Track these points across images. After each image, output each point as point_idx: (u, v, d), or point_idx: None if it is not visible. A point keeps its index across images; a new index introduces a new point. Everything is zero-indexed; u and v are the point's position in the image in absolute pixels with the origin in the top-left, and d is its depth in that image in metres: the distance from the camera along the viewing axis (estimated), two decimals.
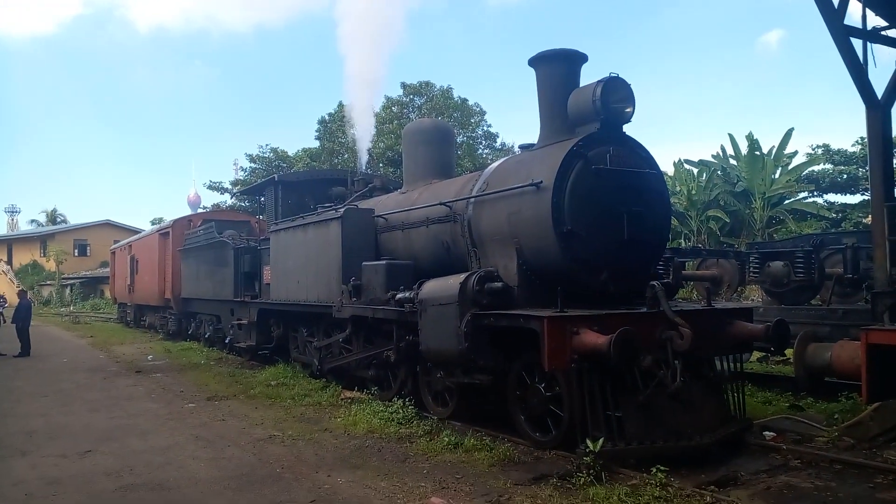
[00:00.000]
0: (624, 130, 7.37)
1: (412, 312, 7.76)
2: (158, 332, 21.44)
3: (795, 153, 30.26)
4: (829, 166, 31.17)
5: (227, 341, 15.21)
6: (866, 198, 31.08)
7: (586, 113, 7.11)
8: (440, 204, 8.42)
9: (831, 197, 32.04)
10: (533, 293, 7.20)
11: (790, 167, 29.72)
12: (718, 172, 30.04)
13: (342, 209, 10.02)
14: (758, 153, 28.86)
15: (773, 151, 29.33)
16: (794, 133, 29.11)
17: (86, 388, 11.25)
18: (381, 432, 7.45)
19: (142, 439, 7.45)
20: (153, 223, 46.26)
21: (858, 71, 7.41)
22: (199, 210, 40.28)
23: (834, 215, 28.67)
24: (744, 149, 29.77)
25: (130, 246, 25.00)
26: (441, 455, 6.56)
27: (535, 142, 7.93)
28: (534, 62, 7.71)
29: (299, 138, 74.04)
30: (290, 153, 35.03)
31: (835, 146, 31.79)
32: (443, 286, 7.21)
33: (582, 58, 7.66)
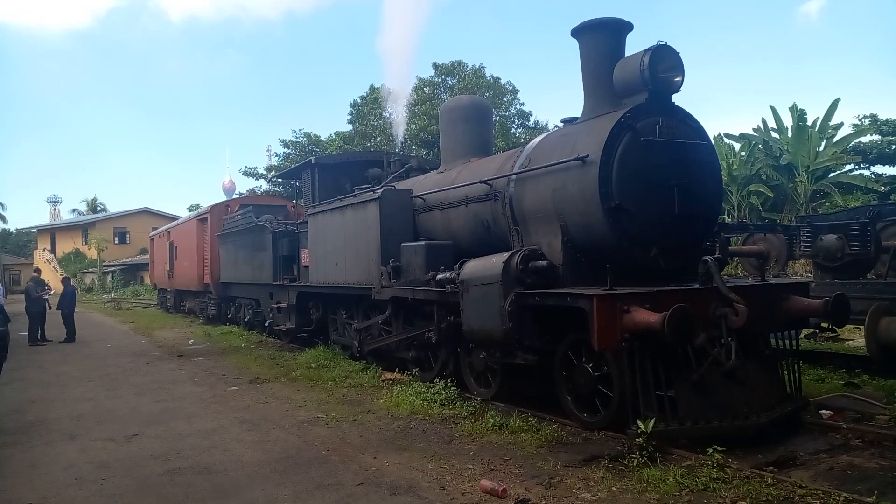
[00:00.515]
0: (673, 100, 7.09)
1: (453, 293, 7.61)
2: (198, 317, 21.71)
3: (841, 124, 29.24)
4: (877, 137, 30.05)
5: (266, 324, 15.29)
6: None
7: (633, 83, 6.84)
8: (480, 182, 8.23)
9: (879, 169, 30.95)
10: (579, 271, 7.00)
11: (836, 139, 28.70)
12: (760, 146, 29.15)
13: (380, 190, 9.90)
14: (802, 125, 27.91)
15: (818, 123, 28.34)
16: (839, 104, 28.08)
17: (130, 372, 11.38)
18: (424, 413, 7.36)
19: (187, 422, 7.47)
20: (190, 210, 46.91)
21: None
22: (234, 196, 40.66)
23: (882, 188, 27.63)
24: (787, 121, 28.84)
25: (169, 232, 25.31)
26: (486, 436, 6.44)
27: (579, 115, 7.69)
28: (577, 32, 7.44)
29: (331, 123, 74.54)
30: (322, 138, 35.08)
31: (882, 116, 30.60)
32: (485, 265, 7.05)
33: (627, 27, 7.38)
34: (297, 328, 13.34)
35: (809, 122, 28.28)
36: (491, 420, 6.75)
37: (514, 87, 33.58)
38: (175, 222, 27.46)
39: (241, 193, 39.74)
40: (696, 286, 6.56)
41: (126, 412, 8.17)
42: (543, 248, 7.13)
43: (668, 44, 6.85)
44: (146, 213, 58.01)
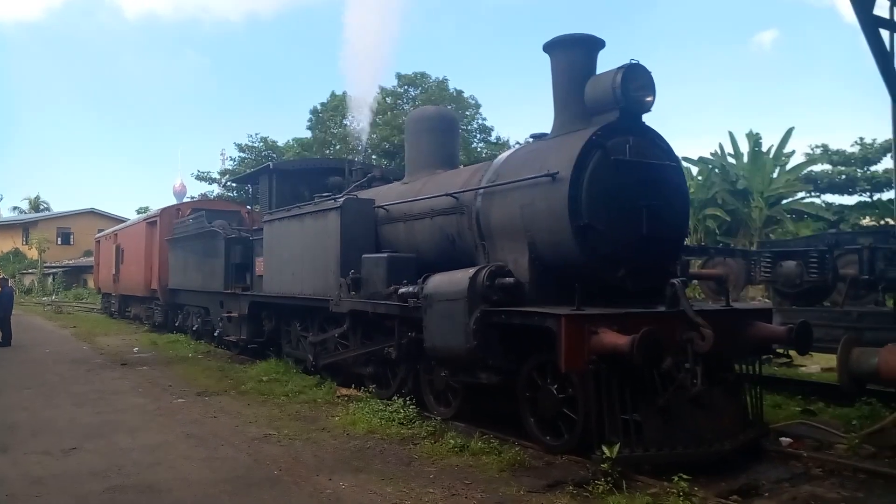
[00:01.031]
0: (643, 120, 7.04)
1: (416, 308, 7.40)
2: (144, 324, 20.93)
3: (793, 153, 30.13)
4: (827, 166, 31.04)
5: (215, 334, 14.79)
6: (863, 199, 31.03)
7: (605, 101, 6.76)
8: (446, 195, 8.05)
9: (829, 197, 31.96)
10: (545, 289, 6.85)
11: (789, 167, 29.53)
12: (717, 171, 29.79)
13: (341, 199, 9.64)
14: (757, 150, 28.66)
15: (773, 150, 29.12)
16: (792, 133, 28.93)
17: (70, 380, 10.81)
18: (382, 433, 7.09)
19: (130, 436, 7.05)
20: (139, 212, 45.59)
21: (886, 62, 7.11)
22: (186, 199, 39.66)
23: (832, 217, 28.51)
24: (743, 147, 29.55)
25: (116, 235, 24.45)
26: (447, 458, 6.21)
27: (547, 131, 7.60)
28: (549, 47, 7.36)
29: (289, 129, 73.50)
30: (280, 143, 34.53)
31: (833, 146, 31.66)
32: (450, 280, 6.86)
33: (599, 43, 7.33)
34: (249, 339, 12.89)
35: (764, 149, 29.06)
36: (451, 441, 6.52)
37: (476, 101, 33.68)
38: (123, 224, 26.59)
39: (192, 197, 38.85)
40: (662, 309, 6.49)
41: (64, 424, 7.69)
42: (510, 264, 6.97)
43: (640, 63, 6.81)
44: (92, 213, 56.14)
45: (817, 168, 30.70)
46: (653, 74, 6.86)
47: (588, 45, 7.28)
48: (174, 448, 6.61)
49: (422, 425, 7.27)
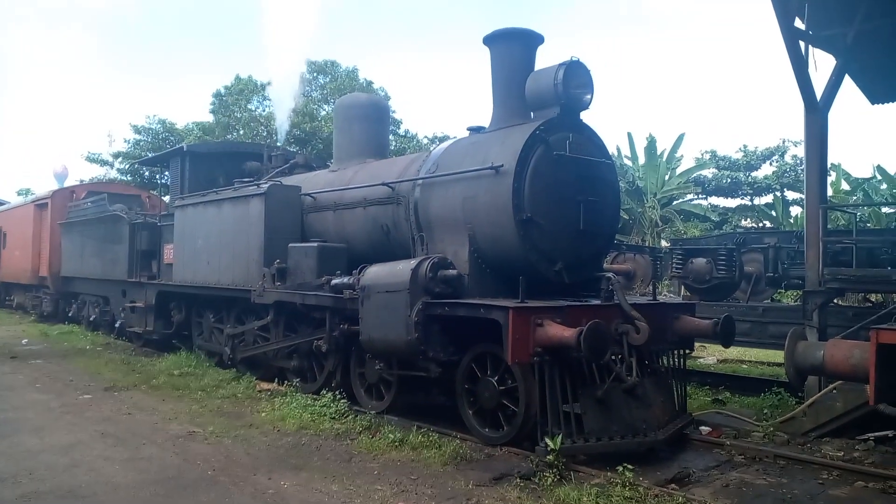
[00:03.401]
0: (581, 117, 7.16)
1: (352, 299, 7.21)
2: (29, 314, 19.40)
3: (682, 157, 31.78)
4: (714, 171, 32.91)
5: (116, 325, 13.89)
6: (744, 202, 33.17)
7: (546, 97, 6.83)
8: (382, 184, 7.89)
9: (714, 200, 33.89)
10: (484, 282, 6.88)
11: (679, 171, 31.14)
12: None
13: (265, 185, 9.26)
14: (652, 152, 30.06)
15: (666, 154, 30.59)
16: (683, 139, 30.59)
17: None
18: (314, 429, 6.87)
19: (36, 437, 6.48)
20: (21, 194, 42.26)
21: (803, 73, 7.56)
22: (73, 183, 36.96)
23: (716, 218, 30.29)
24: (639, 149, 30.87)
25: None
26: (387, 453, 6.10)
27: (469, 126, 7.66)
28: (490, 40, 7.36)
29: (187, 112, 69.95)
30: (178, 126, 32.85)
31: (721, 152, 33.60)
32: (391, 272, 6.72)
33: (539, 38, 7.39)
34: (155, 331, 12.19)
35: (658, 153, 30.51)
36: (390, 435, 6.41)
37: (386, 94, 33.30)
38: (5, 206, 24.48)
39: (81, 181, 36.31)
40: (597, 302, 6.64)
41: None
42: (449, 256, 6.91)
43: (580, 60, 6.91)
44: None
45: (706, 172, 32.53)
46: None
47: (527, 39, 7.33)
48: (90, 448, 6.13)
49: (355, 420, 7.11)
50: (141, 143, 31.90)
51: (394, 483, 5.28)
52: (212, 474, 5.43)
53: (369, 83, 32.43)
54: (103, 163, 34.78)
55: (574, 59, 6.86)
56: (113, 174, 33.71)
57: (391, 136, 32.98)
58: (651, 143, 30.16)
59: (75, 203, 16.57)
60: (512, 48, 7.27)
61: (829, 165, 8.67)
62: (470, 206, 6.84)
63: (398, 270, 6.60)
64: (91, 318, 15.40)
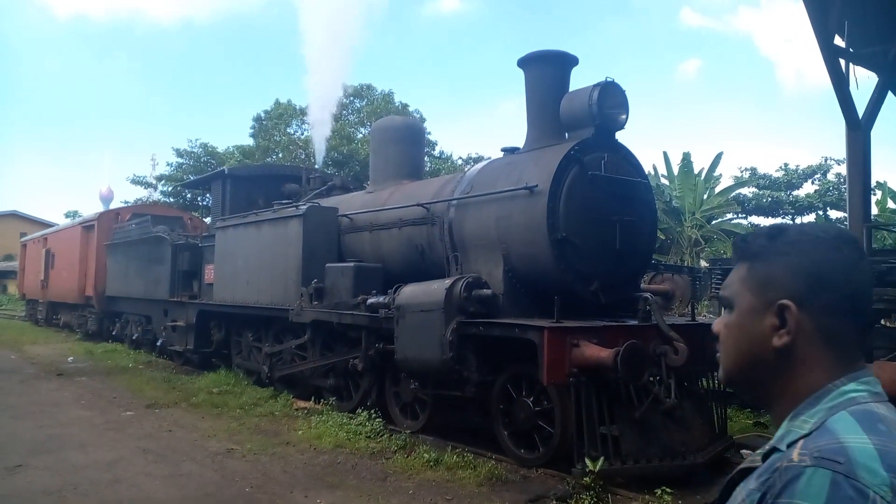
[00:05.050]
0: (616, 138, 7.15)
1: (387, 319, 7.27)
2: (75, 332, 19.91)
3: (721, 176, 31.38)
4: (754, 189, 32.41)
5: (157, 344, 14.19)
6: (786, 221, 32.62)
7: (581, 117, 6.84)
8: (417, 205, 7.96)
9: (755, 219, 33.31)
10: (518, 302, 6.86)
11: (719, 189, 30.71)
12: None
13: (304, 206, 9.41)
14: (688, 171, 29.71)
15: (704, 172, 30.22)
16: (722, 157, 30.22)
17: (3, 391, 10.14)
18: (350, 447, 6.91)
19: (81, 452, 6.64)
20: (69, 216, 43.57)
21: (843, 91, 7.44)
22: (117, 205, 37.98)
23: None
24: (676, 168, 30.56)
25: (46, 239, 23.22)
26: (422, 473, 6.09)
27: (521, 146, 7.64)
28: (523, 63, 7.42)
29: (228, 136, 71.59)
30: (219, 150, 33.61)
31: (760, 170, 33.12)
32: (426, 291, 6.76)
33: (573, 60, 7.43)
34: (196, 349, 12.41)
35: (696, 171, 30.15)
36: (425, 455, 6.40)
37: (421, 115, 33.64)
38: (53, 228, 25.31)
39: (126, 202, 37.30)
40: (634, 322, 6.57)
41: (4, 438, 7.19)
42: (483, 276, 6.93)
43: (615, 81, 6.92)
44: (14, 216, 53.18)
45: (745, 190, 32.06)
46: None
47: (561, 62, 7.37)
48: (131, 464, 6.26)
49: (391, 439, 7.13)
50: (183, 167, 32.71)
51: (429, 503, 5.28)
52: (249, 491, 5.50)
53: (405, 106, 32.80)
54: (147, 185, 35.77)
55: (609, 79, 6.88)
56: (156, 196, 34.59)
57: (426, 158, 33.27)
58: (687, 162, 29.82)
59: (120, 225, 17.04)
60: (545, 70, 7.32)
61: (874, 184, 8.51)
62: (504, 225, 6.86)
63: (433, 290, 6.64)
64: (134, 337, 15.75)
